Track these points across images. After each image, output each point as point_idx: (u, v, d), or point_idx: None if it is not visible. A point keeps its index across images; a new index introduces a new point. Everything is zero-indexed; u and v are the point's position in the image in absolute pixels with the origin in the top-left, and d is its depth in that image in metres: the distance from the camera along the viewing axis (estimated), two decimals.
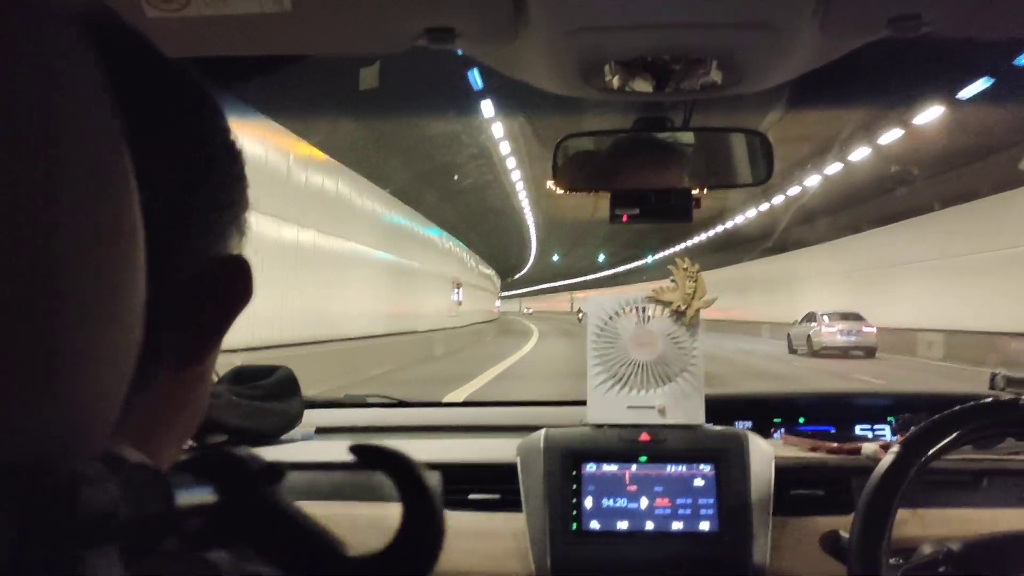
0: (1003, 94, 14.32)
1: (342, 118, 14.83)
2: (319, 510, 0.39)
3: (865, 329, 22.59)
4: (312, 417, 2.03)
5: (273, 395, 1.90)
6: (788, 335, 25.04)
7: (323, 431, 2.03)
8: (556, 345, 27.15)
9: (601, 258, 64.75)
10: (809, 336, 23.06)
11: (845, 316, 23.01)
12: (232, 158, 0.52)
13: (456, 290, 31.02)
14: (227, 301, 0.49)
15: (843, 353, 21.76)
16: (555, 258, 65.02)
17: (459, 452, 1.84)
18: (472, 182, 26.04)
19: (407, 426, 2.13)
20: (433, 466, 1.87)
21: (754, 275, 39.98)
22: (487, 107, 17.03)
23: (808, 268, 34.05)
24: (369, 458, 0.44)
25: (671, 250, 45.55)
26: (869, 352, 22.06)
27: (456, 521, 1.74)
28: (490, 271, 49.46)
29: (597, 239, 50.09)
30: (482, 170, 24.46)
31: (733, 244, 40.69)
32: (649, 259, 53.54)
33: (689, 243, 43.40)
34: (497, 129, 19.53)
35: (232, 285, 0.49)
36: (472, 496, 1.75)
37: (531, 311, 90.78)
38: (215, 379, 0.85)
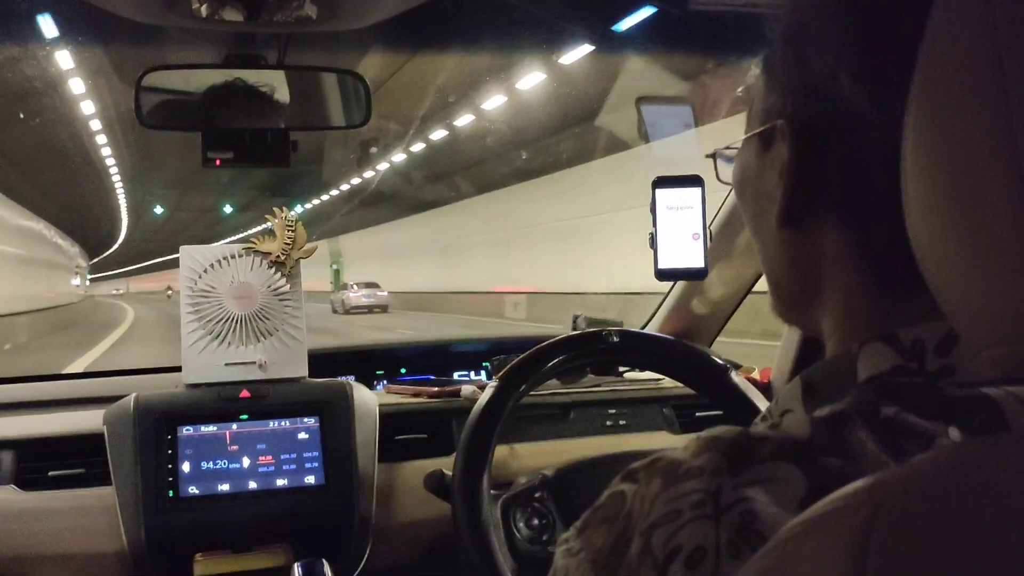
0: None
1: None
2: None
3: (379, 293, 30.52)
4: None
5: None
6: (331, 300, 31.90)
7: None
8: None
9: (228, 210, 49.55)
10: (343, 300, 30.42)
11: (368, 284, 31.12)
12: None
13: None
14: None
15: (368, 310, 29.40)
16: (158, 211, 49.28)
17: (39, 427, 1.64)
18: (29, 125, 21.12)
19: None
20: (4, 444, 1.65)
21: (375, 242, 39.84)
22: (51, 29, 14.35)
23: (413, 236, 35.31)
24: None
25: (325, 196, 38.62)
26: (383, 309, 29.86)
27: (36, 501, 1.55)
28: (45, 230, 32.00)
29: (219, 185, 40.47)
30: (44, 109, 20.57)
31: (376, 201, 36.14)
32: (299, 208, 41.84)
33: (341, 189, 36.48)
34: (66, 60, 16.50)
35: None
36: (52, 473, 1.57)
37: (120, 292, 70.26)
38: None
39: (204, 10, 1.23)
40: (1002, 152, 0.36)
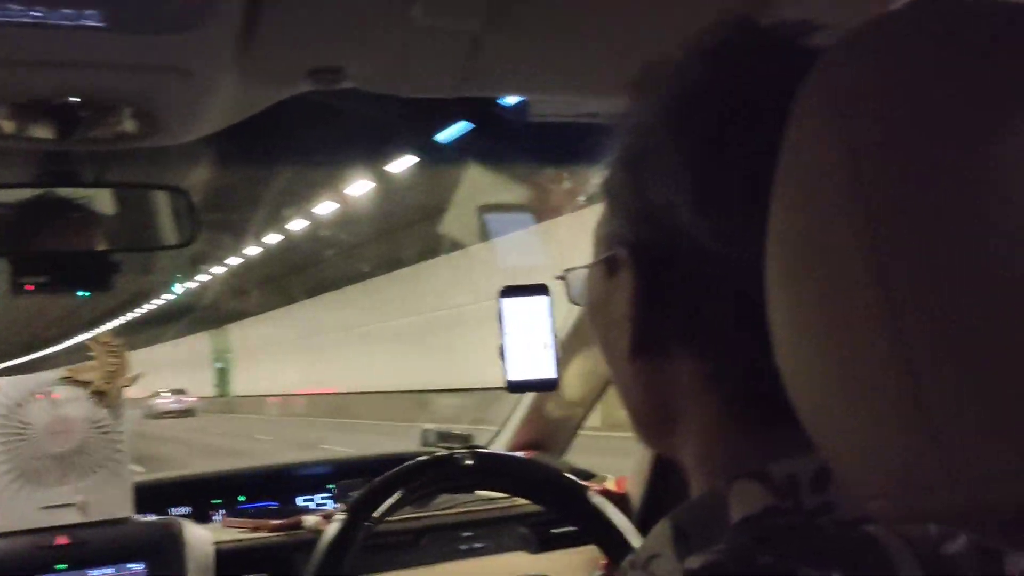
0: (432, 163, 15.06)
1: None
2: None
3: (184, 399, 33.76)
4: None
5: None
6: (141, 406, 32.05)
7: None
8: None
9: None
10: (151, 406, 32.36)
11: (176, 391, 33.99)
12: None
13: None
14: None
15: (177, 415, 32.02)
16: None
17: None
18: None
19: None
20: None
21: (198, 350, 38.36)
22: None
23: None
24: None
25: (208, 274, 32.69)
26: (189, 413, 32.87)
27: None
28: None
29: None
30: None
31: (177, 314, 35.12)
32: (176, 289, 35.75)
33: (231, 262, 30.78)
34: None
35: None
36: None
37: None
38: None
39: (10, 127, 1.14)
40: (871, 294, 0.33)
